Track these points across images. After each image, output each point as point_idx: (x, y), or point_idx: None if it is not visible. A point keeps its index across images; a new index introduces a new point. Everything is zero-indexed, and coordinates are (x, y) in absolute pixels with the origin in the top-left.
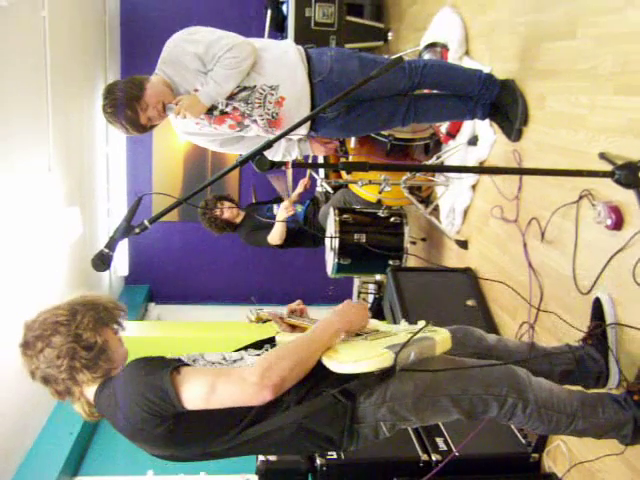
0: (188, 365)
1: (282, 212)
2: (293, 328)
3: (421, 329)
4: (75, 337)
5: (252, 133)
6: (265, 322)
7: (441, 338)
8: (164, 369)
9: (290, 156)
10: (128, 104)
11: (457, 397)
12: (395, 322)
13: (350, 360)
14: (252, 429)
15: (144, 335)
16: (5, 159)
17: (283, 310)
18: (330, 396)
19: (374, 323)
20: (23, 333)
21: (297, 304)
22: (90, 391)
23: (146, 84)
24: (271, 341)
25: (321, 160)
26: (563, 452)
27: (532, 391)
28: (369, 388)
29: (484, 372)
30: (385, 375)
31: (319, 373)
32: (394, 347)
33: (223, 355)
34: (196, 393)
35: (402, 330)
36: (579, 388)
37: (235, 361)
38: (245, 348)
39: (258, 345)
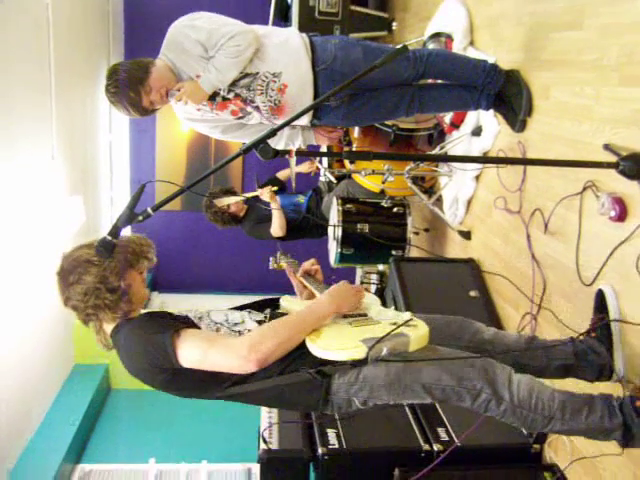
0: (191, 325)
1: (270, 201)
2: (304, 287)
3: (401, 325)
4: (102, 278)
5: (254, 121)
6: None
7: (416, 336)
8: (168, 330)
9: (293, 145)
10: (132, 86)
11: (429, 386)
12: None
13: (328, 348)
14: (236, 387)
15: None
16: (9, 147)
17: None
18: (307, 374)
19: (369, 300)
20: (60, 263)
21: (311, 263)
22: (109, 327)
23: (151, 68)
24: (274, 302)
25: (325, 149)
26: (564, 443)
27: (509, 390)
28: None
29: (461, 365)
30: (357, 364)
31: (302, 349)
32: (369, 341)
33: (226, 316)
34: (191, 356)
35: (388, 319)
36: (581, 387)
37: (236, 324)
38: (249, 308)
39: (260, 306)
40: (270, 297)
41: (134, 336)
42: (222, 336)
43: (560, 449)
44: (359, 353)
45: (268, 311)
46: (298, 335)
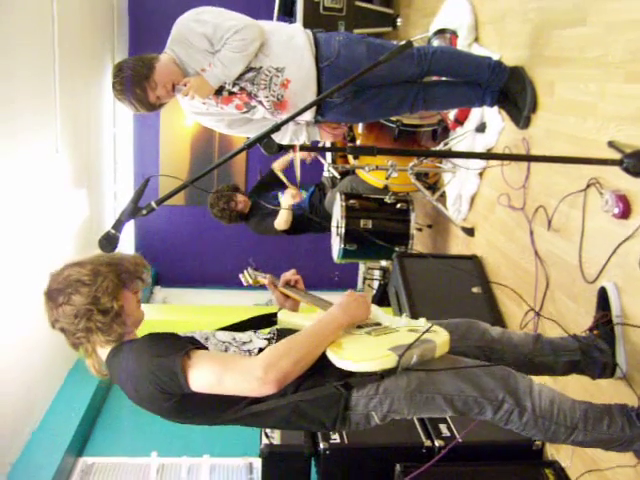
0: (199, 347)
1: (288, 198)
2: (286, 297)
3: (426, 331)
4: (94, 299)
5: (259, 115)
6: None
7: (441, 341)
8: (176, 352)
9: (298, 140)
10: (137, 82)
11: (451, 397)
12: (400, 309)
13: (354, 358)
14: (250, 408)
15: (149, 318)
16: (13, 140)
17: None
18: (332, 387)
19: (375, 311)
20: (48, 283)
21: (292, 274)
22: (103, 352)
23: (155, 63)
24: (270, 317)
25: (329, 144)
26: None
27: (531, 399)
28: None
29: (483, 375)
30: (386, 374)
31: (318, 363)
32: (397, 349)
33: (233, 336)
34: (204, 380)
35: (403, 326)
36: (588, 397)
37: (244, 343)
38: (252, 328)
39: (259, 323)
40: (265, 313)
41: (137, 359)
42: (235, 357)
43: (562, 446)
44: (390, 362)
45: (274, 329)
46: (315, 350)
